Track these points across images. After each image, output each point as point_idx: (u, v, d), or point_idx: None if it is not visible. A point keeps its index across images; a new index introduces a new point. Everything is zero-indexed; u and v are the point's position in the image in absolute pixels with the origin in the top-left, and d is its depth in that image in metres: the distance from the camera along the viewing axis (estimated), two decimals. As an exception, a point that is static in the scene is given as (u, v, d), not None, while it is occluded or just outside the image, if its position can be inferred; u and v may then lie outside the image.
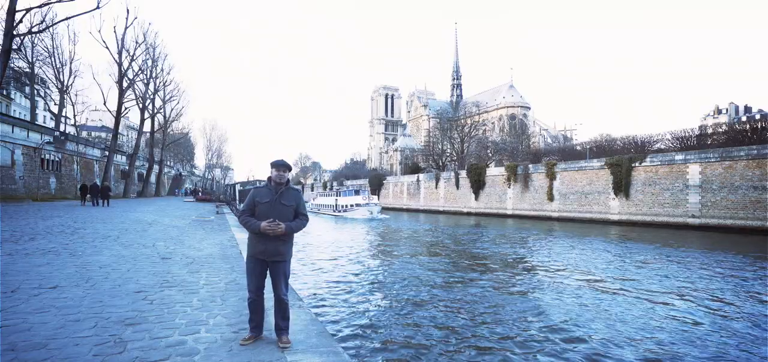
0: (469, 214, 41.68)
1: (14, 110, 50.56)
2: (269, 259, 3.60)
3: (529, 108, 79.57)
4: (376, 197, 50.62)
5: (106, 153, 36.68)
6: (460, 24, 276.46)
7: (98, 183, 25.95)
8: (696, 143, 29.21)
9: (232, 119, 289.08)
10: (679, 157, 26.13)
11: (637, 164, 28.16)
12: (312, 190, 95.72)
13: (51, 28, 31.74)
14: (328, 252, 16.09)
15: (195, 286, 5.65)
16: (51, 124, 41.79)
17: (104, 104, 38.67)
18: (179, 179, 75.58)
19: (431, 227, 28.00)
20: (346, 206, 40.48)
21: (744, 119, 50.81)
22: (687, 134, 30.37)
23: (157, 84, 43.22)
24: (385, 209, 45.21)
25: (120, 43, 33.82)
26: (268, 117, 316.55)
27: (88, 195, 22.80)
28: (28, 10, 18.90)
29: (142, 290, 5.30)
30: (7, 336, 3.53)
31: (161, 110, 46.94)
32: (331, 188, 76.73)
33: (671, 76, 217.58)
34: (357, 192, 43.24)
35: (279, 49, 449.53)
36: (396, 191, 57.30)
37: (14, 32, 18.55)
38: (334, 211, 42.40)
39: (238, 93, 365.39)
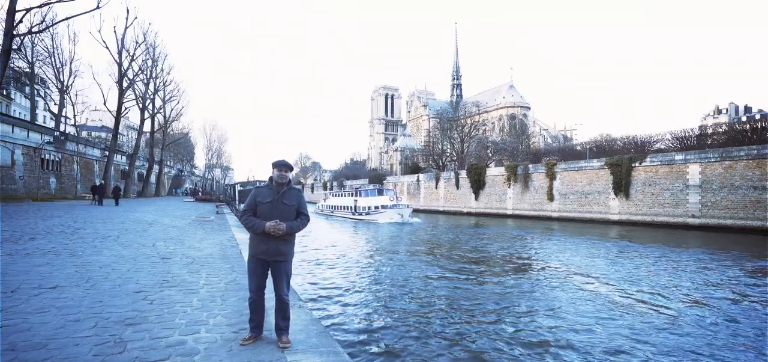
0: (469, 214, 41.65)
1: (14, 110, 50.53)
2: (271, 259, 3.61)
3: (529, 108, 79.60)
4: (403, 196, 45.35)
5: (106, 153, 36.69)
6: (460, 24, 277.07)
7: (103, 183, 27.36)
8: (696, 143, 29.19)
9: (232, 119, 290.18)
10: (679, 157, 26.12)
11: (637, 164, 28.16)
12: (312, 191, 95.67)
13: (51, 28, 31.71)
14: (329, 253, 16.09)
15: (195, 286, 5.65)
16: (51, 124, 41.76)
17: (104, 104, 38.66)
18: (179, 178, 75.57)
19: (431, 228, 27.98)
20: (369, 208, 34.96)
21: (744, 119, 50.83)
22: (687, 134, 30.34)
23: (157, 84, 43.18)
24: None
25: (120, 43, 33.84)
26: (268, 117, 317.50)
27: (96, 195, 24.49)
28: (28, 10, 18.89)
29: (142, 290, 5.30)
30: (7, 336, 3.53)
31: (161, 110, 46.88)
32: (330, 188, 76.53)
33: (671, 76, 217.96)
34: (380, 192, 37.30)
35: (279, 49, 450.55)
36: (396, 191, 57.23)
37: (14, 32, 18.54)
38: (354, 214, 36.99)
39: (238, 93, 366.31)
